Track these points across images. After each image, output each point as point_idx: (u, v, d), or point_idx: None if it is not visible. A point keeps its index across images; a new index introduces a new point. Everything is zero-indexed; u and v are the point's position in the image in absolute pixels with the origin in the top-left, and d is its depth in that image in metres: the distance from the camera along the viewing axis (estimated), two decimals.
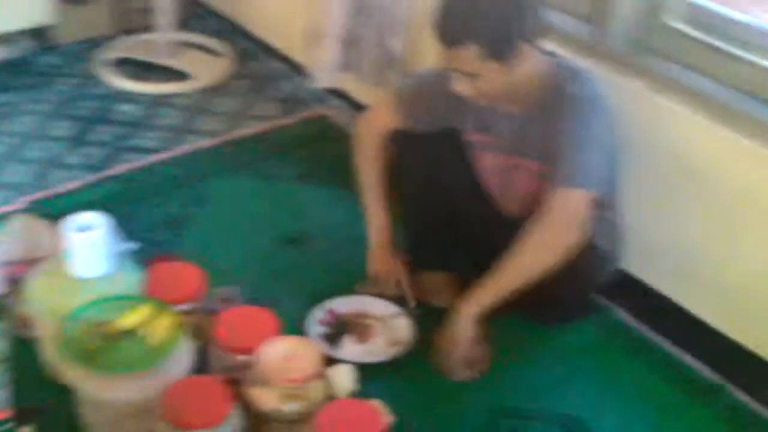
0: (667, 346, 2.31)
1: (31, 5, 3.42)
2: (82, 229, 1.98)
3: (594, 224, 2.10)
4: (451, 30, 1.95)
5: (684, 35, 2.25)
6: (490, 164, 2.24)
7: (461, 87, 2.02)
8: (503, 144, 2.18)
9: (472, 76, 1.99)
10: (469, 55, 1.94)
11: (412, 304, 2.34)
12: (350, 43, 2.92)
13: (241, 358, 2.00)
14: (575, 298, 2.27)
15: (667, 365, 2.26)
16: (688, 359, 2.28)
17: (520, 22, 1.94)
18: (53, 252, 2.17)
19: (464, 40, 1.93)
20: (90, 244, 1.99)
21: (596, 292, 2.36)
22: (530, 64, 2.01)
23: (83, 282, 2.01)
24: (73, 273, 2.02)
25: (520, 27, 1.94)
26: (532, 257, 1.97)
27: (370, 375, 2.13)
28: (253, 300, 2.35)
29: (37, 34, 3.61)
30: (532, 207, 2.15)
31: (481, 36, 1.92)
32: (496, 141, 2.19)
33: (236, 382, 1.97)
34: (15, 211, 2.64)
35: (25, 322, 2.15)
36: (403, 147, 2.30)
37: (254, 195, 2.85)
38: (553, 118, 2.04)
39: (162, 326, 1.93)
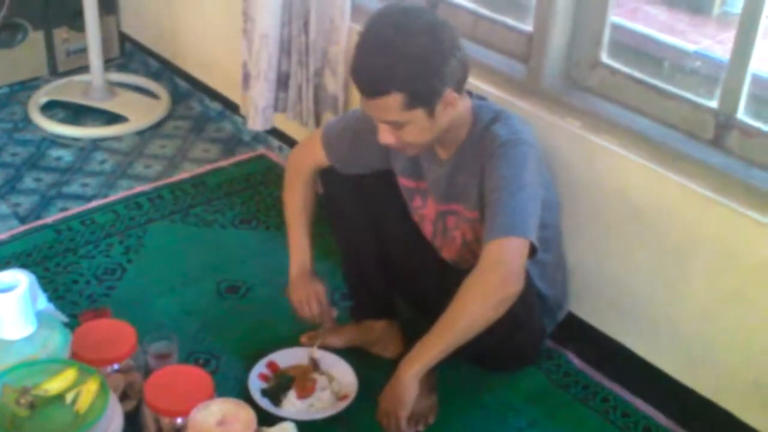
0: (621, 392, 2.26)
1: None
2: (3, 288, 1.88)
3: (534, 269, 2.05)
4: (371, 79, 1.87)
5: (618, 72, 2.23)
6: (423, 209, 2.18)
7: (385, 138, 1.96)
8: (435, 189, 2.12)
9: (396, 125, 1.92)
10: (393, 104, 1.87)
11: (326, 326, 2.27)
12: (284, 84, 2.86)
13: (173, 421, 1.90)
14: (521, 345, 2.21)
15: (621, 413, 2.21)
16: (642, 406, 2.22)
17: (445, 68, 1.87)
18: None
19: (387, 88, 1.86)
20: (11, 305, 1.89)
21: (545, 337, 2.30)
22: (456, 109, 1.95)
23: (6, 344, 1.91)
24: None
25: (446, 73, 1.88)
26: (471, 312, 1.90)
27: (313, 426, 2.05)
28: (190, 355, 2.28)
29: None
30: (471, 252, 2.10)
31: (405, 84, 1.85)
32: (428, 186, 2.14)
33: None
34: None
35: None
36: (334, 187, 2.24)
37: (192, 242, 2.76)
38: (482, 161, 1.98)
39: (89, 391, 1.83)
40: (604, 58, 2.26)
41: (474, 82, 1.99)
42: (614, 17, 2.23)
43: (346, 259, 2.32)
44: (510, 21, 2.44)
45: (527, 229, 1.90)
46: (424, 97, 1.87)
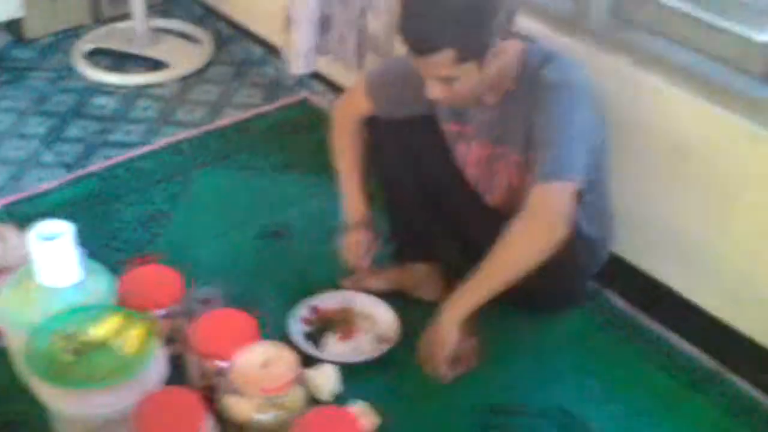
0: (663, 332, 2.24)
1: None
2: (49, 237, 1.91)
3: (581, 212, 2.02)
4: (422, 37, 1.84)
5: (668, 7, 2.16)
6: (468, 154, 2.16)
7: (436, 92, 1.93)
8: (481, 134, 2.09)
9: (447, 80, 1.89)
10: (444, 60, 1.84)
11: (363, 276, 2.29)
12: (325, 26, 2.83)
13: (218, 364, 1.93)
14: (566, 288, 2.19)
15: (663, 353, 2.19)
16: (684, 346, 2.20)
17: (495, 18, 1.83)
18: (23, 260, 2.10)
19: (437, 46, 1.83)
20: (57, 253, 1.92)
21: (589, 279, 2.28)
22: (507, 55, 1.91)
23: (52, 291, 1.95)
24: (41, 282, 1.95)
25: (495, 24, 1.84)
26: (516, 255, 1.88)
27: (354, 374, 2.07)
28: (234, 300, 2.29)
29: (9, 27, 3.52)
30: (516, 197, 2.08)
31: (456, 40, 1.82)
32: (473, 131, 2.11)
33: (213, 390, 1.90)
34: None
35: None
36: (378, 134, 2.23)
37: (235, 188, 2.77)
38: (531, 106, 1.95)
39: (135, 336, 1.87)
40: None
41: (520, 21, 1.94)
42: None
43: (389, 202, 2.31)
44: None
45: (575, 173, 1.88)
46: (475, 51, 1.84)
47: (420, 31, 1.84)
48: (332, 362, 2.05)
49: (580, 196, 1.93)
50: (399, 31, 1.88)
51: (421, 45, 1.86)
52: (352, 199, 2.28)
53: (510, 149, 2.06)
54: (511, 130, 2.04)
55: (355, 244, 2.25)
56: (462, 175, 2.22)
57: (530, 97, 1.96)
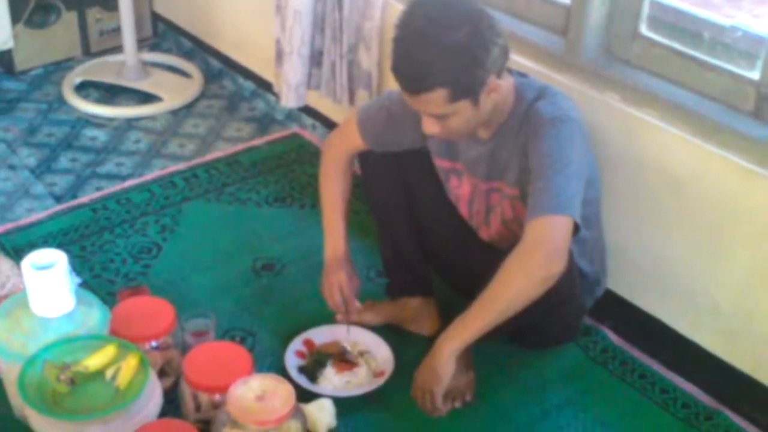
0: (660, 369, 2.24)
1: None
2: (41, 267, 1.89)
3: (576, 247, 2.03)
4: (415, 77, 1.85)
5: (659, 45, 2.19)
6: (460, 189, 2.17)
7: (430, 128, 1.94)
8: (473, 170, 2.11)
9: (441, 116, 1.91)
10: (437, 98, 1.85)
11: (351, 316, 2.24)
12: (316, 60, 2.85)
13: (213, 396, 1.91)
14: (561, 322, 2.20)
15: (658, 389, 2.19)
16: (680, 382, 2.20)
17: (487, 57, 1.84)
18: (14, 290, 2.09)
19: (430, 85, 1.84)
20: (49, 283, 1.90)
21: (584, 314, 2.29)
22: (501, 91, 1.93)
23: (45, 321, 1.93)
24: (34, 311, 1.93)
25: (489, 62, 1.85)
26: (512, 289, 1.88)
27: (350, 408, 2.06)
28: (227, 332, 2.28)
29: (0, 59, 3.51)
30: (511, 231, 2.09)
31: (449, 80, 1.83)
32: (464, 167, 2.12)
33: (208, 422, 1.89)
34: None
35: None
36: (371, 168, 2.24)
37: (227, 220, 2.76)
38: (525, 140, 1.96)
39: (128, 367, 1.85)
40: (644, 30, 2.22)
41: (512, 56, 1.96)
42: None
43: (383, 236, 2.31)
44: None
45: (572, 207, 1.88)
46: (468, 89, 1.85)
47: (413, 71, 1.85)
48: (328, 396, 2.04)
49: (575, 230, 1.94)
50: (392, 69, 1.89)
51: (414, 84, 1.86)
52: (331, 236, 2.25)
53: (504, 184, 2.07)
54: (505, 164, 2.05)
55: (333, 286, 2.22)
56: (455, 209, 2.23)
57: (524, 132, 1.98)
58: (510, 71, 2.01)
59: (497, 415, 2.11)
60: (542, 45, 2.36)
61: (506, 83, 1.96)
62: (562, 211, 1.89)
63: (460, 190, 2.17)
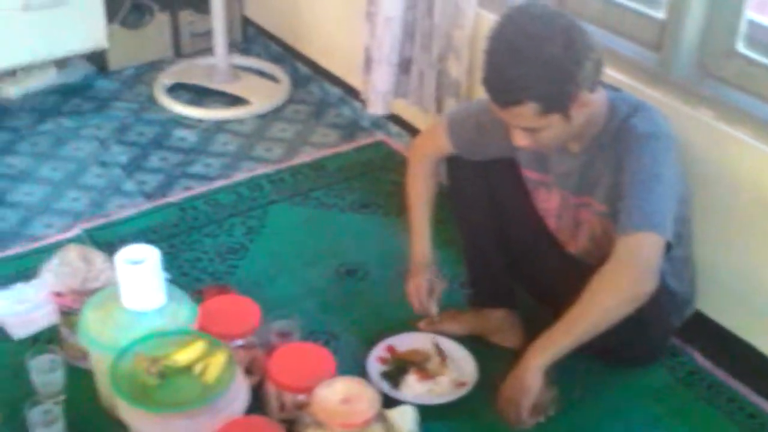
0: (748, 393, 2.18)
1: (87, 30, 3.41)
2: (135, 261, 1.93)
3: (667, 266, 1.99)
4: (505, 89, 1.84)
5: (755, 63, 2.14)
6: (548, 202, 2.15)
7: (519, 140, 1.93)
8: (562, 183, 2.09)
9: (531, 130, 1.90)
10: (527, 112, 1.84)
11: (435, 319, 2.27)
12: (405, 68, 2.85)
13: (297, 396, 1.93)
14: (648, 342, 2.15)
15: (745, 413, 2.14)
16: (767, 407, 2.14)
17: (580, 72, 1.82)
18: (106, 283, 2.14)
19: (520, 99, 1.83)
20: (142, 277, 1.94)
21: (672, 334, 2.24)
22: (593, 105, 1.91)
23: (136, 315, 1.97)
24: (125, 306, 1.97)
25: (580, 78, 1.83)
26: (602, 307, 1.86)
27: (432, 416, 2.05)
28: (310, 334, 2.29)
29: (95, 58, 3.61)
30: (599, 247, 2.06)
31: (539, 94, 1.82)
32: (554, 180, 2.10)
33: (291, 422, 1.90)
34: (71, 239, 2.62)
35: (79, 353, 2.10)
36: (458, 176, 2.23)
37: (312, 224, 2.78)
38: (618, 156, 1.94)
39: (216, 363, 1.87)
40: (741, 47, 2.18)
41: (604, 71, 1.94)
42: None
43: (468, 246, 2.30)
44: (641, 8, 2.38)
45: (664, 225, 1.86)
46: (558, 104, 1.84)
47: (503, 84, 1.84)
48: (410, 403, 2.04)
49: (667, 248, 1.91)
50: (483, 82, 1.88)
51: (503, 97, 1.86)
52: (418, 241, 2.27)
53: (593, 199, 2.05)
54: (596, 179, 2.03)
55: (418, 288, 2.24)
56: (542, 221, 2.21)
57: (617, 148, 1.95)
58: (603, 85, 1.99)
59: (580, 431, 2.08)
60: (635, 59, 2.34)
61: (599, 98, 1.94)
62: (655, 228, 1.86)
63: (549, 203, 2.15)
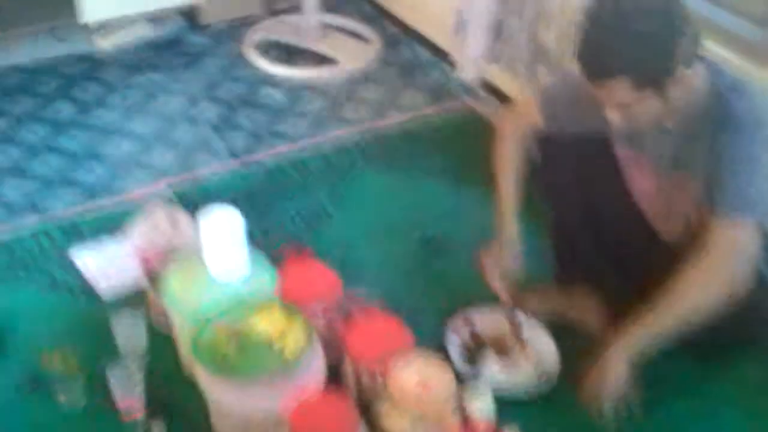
0: None
1: None
2: (220, 229, 1.94)
3: (763, 255, 1.91)
4: (598, 62, 1.77)
5: None
6: (642, 181, 2.07)
7: (613, 116, 1.86)
8: (657, 162, 2.01)
9: (624, 106, 1.82)
10: (620, 86, 1.77)
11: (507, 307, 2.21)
12: (498, 33, 2.78)
13: (374, 370, 1.92)
14: (741, 334, 2.07)
15: None
16: None
17: (677, 47, 1.74)
18: (190, 243, 2.15)
19: (614, 73, 1.76)
20: (228, 246, 1.94)
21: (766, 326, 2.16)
22: (691, 82, 1.83)
23: (220, 283, 1.98)
24: (210, 273, 1.98)
25: (677, 53, 1.75)
26: (693, 297, 1.80)
27: (510, 401, 2.01)
28: (388, 305, 2.28)
29: (188, 13, 3.61)
30: (691, 229, 1.98)
31: (633, 68, 1.74)
32: (649, 158, 2.02)
33: (367, 395, 1.90)
34: (157, 195, 2.64)
35: (163, 318, 2.12)
36: (548, 152, 2.16)
37: (396, 191, 2.76)
38: (714, 137, 1.85)
39: (296, 334, 1.87)
40: None
41: (705, 44, 1.85)
42: None
43: (555, 222, 2.25)
44: None
45: (762, 212, 1.78)
46: (653, 79, 1.76)
47: (596, 57, 1.78)
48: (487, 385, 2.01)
49: (764, 237, 1.83)
50: (576, 54, 1.81)
51: (596, 70, 1.79)
52: (504, 218, 2.21)
53: (689, 177, 1.97)
54: (691, 157, 1.94)
55: (498, 263, 2.19)
56: (634, 202, 2.13)
57: (715, 127, 1.86)
58: (705, 61, 1.89)
59: (669, 427, 2.02)
60: (738, 34, 2.24)
61: (697, 74, 1.85)
62: (752, 215, 1.79)
63: (643, 184, 2.08)
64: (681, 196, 2.00)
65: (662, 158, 2.00)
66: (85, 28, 3.39)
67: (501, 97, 3.09)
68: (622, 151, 2.09)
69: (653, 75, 1.77)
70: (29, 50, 3.45)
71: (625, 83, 1.76)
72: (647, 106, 1.82)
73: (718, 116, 1.86)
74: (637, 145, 2.04)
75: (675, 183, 2.00)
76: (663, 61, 1.75)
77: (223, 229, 1.93)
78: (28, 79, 3.31)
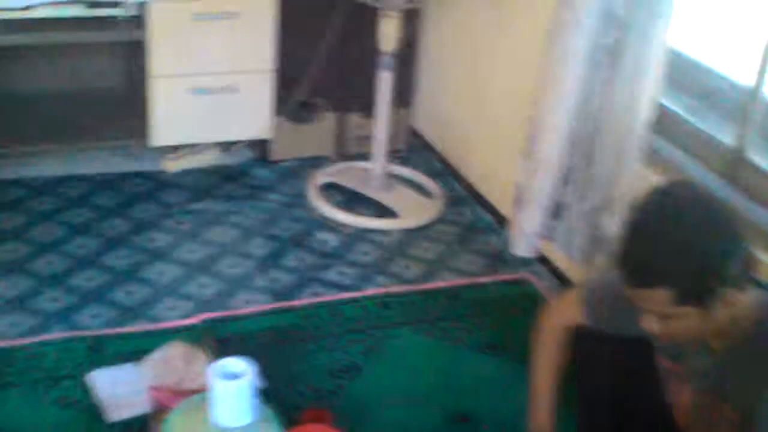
0: None
1: (253, 118, 3.48)
2: (229, 376, 1.86)
3: None
4: (638, 270, 1.67)
5: None
6: (679, 395, 1.92)
7: (649, 324, 1.74)
8: (697, 380, 1.86)
9: (662, 316, 1.70)
10: (659, 298, 1.65)
11: None
12: (555, 212, 2.70)
13: None
14: None
15: None
16: None
17: (723, 267, 1.62)
18: (203, 387, 2.06)
19: (653, 283, 1.65)
20: (234, 395, 1.85)
21: None
22: (740, 305, 1.69)
23: (220, 426, 1.88)
24: (213, 419, 1.88)
25: (723, 273, 1.62)
26: None
27: None
28: None
29: (255, 146, 3.65)
30: None
31: (675, 282, 1.63)
32: (688, 374, 1.88)
33: None
34: (189, 328, 2.59)
35: None
36: (586, 350, 2.04)
37: (432, 356, 2.65)
38: (762, 370, 1.70)
39: None
40: None
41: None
42: None
43: (585, 423, 2.10)
44: None
45: None
46: (696, 296, 1.64)
47: (637, 264, 1.67)
48: None
49: None
50: (617, 256, 1.71)
51: (636, 278, 1.68)
52: (538, 406, 2.12)
53: (728, 405, 1.80)
54: (733, 386, 1.78)
55: None
56: (670, 416, 1.97)
57: (764, 360, 1.71)
58: (759, 285, 1.76)
59: None
60: None
61: (748, 298, 1.71)
62: None
63: (680, 397, 1.93)
64: (718, 420, 1.84)
65: (701, 378, 1.85)
66: (157, 147, 3.43)
67: (558, 274, 2.98)
68: (664, 361, 1.95)
69: (696, 293, 1.64)
70: (98, 162, 3.50)
71: (665, 295, 1.65)
72: (686, 321, 1.68)
73: (763, 352, 1.71)
74: (678, 357, 1.90)
75: (715, 406, 1.84)
76: (706, 279, 1.63)
77: (231, 376, 1.85)
78: (90, 191, 3.35)
